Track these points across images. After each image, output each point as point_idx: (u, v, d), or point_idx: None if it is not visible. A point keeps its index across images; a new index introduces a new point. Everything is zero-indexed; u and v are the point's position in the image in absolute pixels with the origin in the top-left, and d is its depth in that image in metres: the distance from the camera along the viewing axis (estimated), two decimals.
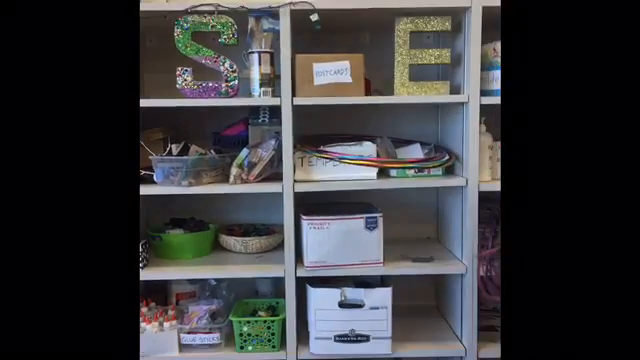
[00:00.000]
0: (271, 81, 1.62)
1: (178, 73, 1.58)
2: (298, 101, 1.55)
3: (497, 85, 1.55)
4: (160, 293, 1.84)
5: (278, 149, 1.61)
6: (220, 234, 1.83)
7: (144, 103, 1.59)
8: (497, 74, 1.55)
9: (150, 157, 1.63)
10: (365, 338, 1.59)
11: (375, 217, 1.59)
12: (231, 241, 1.79)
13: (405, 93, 1.59)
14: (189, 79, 1.58)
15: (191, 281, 1.82)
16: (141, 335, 1.60)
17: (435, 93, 1.60)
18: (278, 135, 1.63)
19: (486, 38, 1.54)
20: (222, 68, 1.58)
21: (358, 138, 1.73)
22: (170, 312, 1.68)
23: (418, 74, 1.63)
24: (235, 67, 1.59)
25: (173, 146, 1.68)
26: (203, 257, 1.78)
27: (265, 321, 1.64)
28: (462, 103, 1.61)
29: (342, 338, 1.60)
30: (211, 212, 1.95)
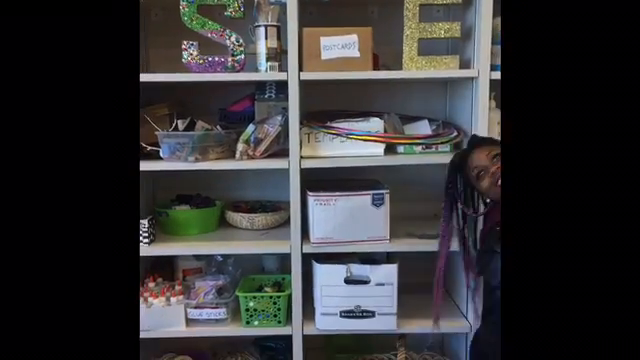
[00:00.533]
0: (278, 55, 1.60)
1: (184, 47, 1.56)
2: (305, 76, 1.53)
3: None
4: (167, 269, 1.85)
5: (285, 125, 1.59)
6: (226, 210, 1.83)
7: (149, 78, 1.58)
8: None
9: (156, 132, 1.62)
10: (371, 314, 1.60)
11: (382, 194, 1.58)
12: (237, 217, 1.79)
13: (414, 68, 1.57)
14: (195, 53, 1.56)
15: (197, 257, 1.83)
16: (148, 309, 1.61)
17: (444, 68, 1.57)
18: (285, 111, 1.61)
19: (497, 11, 1.51)
20: (228, 42, 1.56)
21: (365, 114, 1.71)
22: (177, 287, 1.68)
23: (427, 48, 1.60)
24: (241, 41, 1.56)
25: (179, 122, 1.67)
26: (209, 233, 1.79)
27: (271, 297, 1.64)
28: (472, 78, 1.59)
29: (348, 314, 1.61)
30: (217, 189, 1.94)
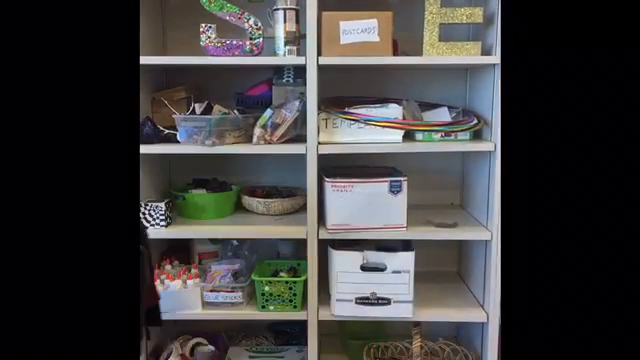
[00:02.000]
0: (296, 39, 1.58)
1: (202, 30, 1.54)
2: (324, 60, 1.51)
3: None
4: (183, 252, 1.87)
5: (302, 110, 1.58)
6: (242, 195, 1.83)
7: (167, 61, 1.58)
8: None
9: (173, 116, 1.62)
10: (386, 301, 1.59)
11: (399, 181, 1.57)
12: (253, 202, 1.79)
13: (434, 54, 1.54)
14: (213, 36, 1.55)
15: (214, 241, 1.84)
16: (165, 292, 1.62)
17: (465, 54, 1.54)
18: (302, 96, 1.60)
19: None
20: (246, 25, 1.54)
21: (384, 100, 1.69)
22: (193, 270, 1.70)
23: (448, 34, 1.57)
24: (260, 24, 1.55)
25: (196, 105, 1.67)
26: (225, 217, 1.79)
27: (287, 282, 1.65)
28: (493, 65, 1.55)
29: (363, 300, 1.60)
30: (233, 174, 1.94)
